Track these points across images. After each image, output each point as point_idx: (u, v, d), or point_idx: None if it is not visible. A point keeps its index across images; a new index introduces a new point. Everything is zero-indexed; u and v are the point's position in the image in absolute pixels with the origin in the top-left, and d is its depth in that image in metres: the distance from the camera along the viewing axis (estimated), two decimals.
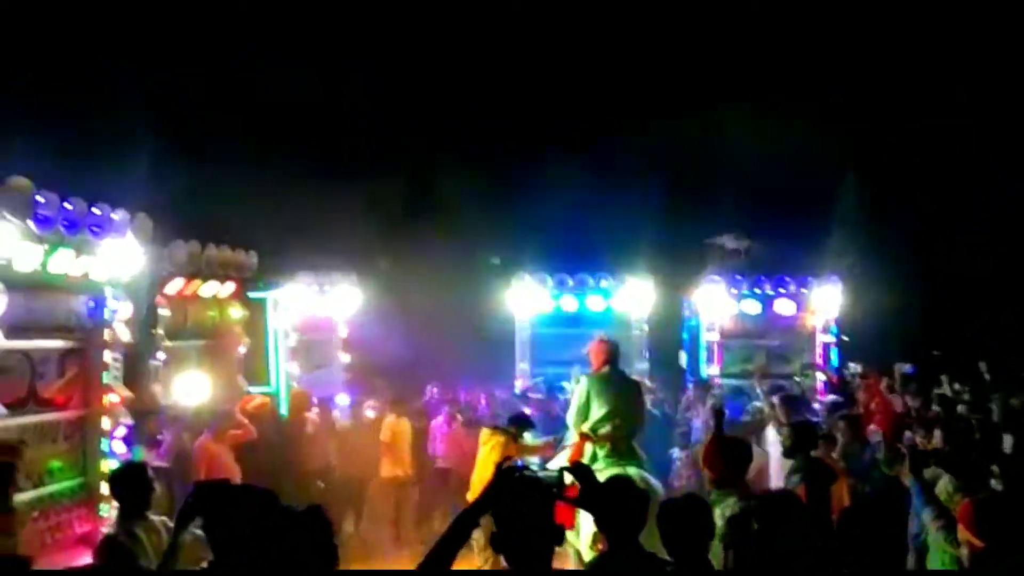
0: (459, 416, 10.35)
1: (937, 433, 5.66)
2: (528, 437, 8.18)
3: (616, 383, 7.31)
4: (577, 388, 7.44)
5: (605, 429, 7.06)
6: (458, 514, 2.98)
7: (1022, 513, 3.31)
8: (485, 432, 7.94)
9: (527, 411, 9.22)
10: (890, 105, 16.94)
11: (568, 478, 3.16)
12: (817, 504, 5.55)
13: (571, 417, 7.34)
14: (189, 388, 7.86)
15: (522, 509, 2.88)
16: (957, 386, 8.68)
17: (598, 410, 7.10)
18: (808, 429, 6.94)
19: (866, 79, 16.86)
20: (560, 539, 2.94)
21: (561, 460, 7.15)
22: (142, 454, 7.01)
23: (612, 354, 7.40)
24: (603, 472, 6.41)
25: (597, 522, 3.54)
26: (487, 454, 7.65)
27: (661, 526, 3.64)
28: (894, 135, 17.12)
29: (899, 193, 17.12)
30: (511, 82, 16.86)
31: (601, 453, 7.05)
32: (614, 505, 3.44)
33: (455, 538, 2.95)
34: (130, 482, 4.73)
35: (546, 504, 2.94)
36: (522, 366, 12.01)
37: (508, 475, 3.01)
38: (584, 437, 7.14)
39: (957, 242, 16.69)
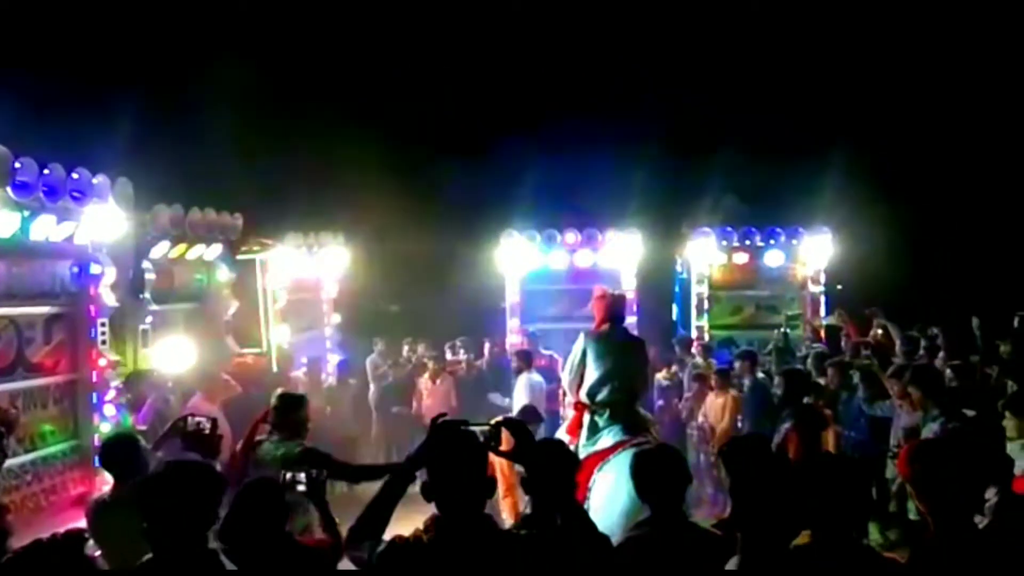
0: (445, 373, 10.46)
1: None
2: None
3: (616, 342, 6.54)
4: (574, 348, 6.68)
5: (602, 394, 6.34)
6: (394, 469, 3.02)
7: (951, 459, 3.09)
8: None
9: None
10: (883, 54, 16.79)
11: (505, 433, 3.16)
12: (808, 450, 5.47)
13: (565, 380, 6.72)
14: (174, 352, 7.89)
15: (454, 460, 2.90)
16: (933, 330, 8.75)
17: (594, 372, 6.39)
18: (799, 375, 6.98)
19: (860, 30, 16.68)
20: (491, 491, 2.96)
21: (560, 432, 6.64)
22: (130, 419, 7.08)
23: (613, 309, 6.67)
24: (617, 447, 5.99)
25: (525, 482, 3.44)
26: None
27: (636, 477, 3.65)
28: (888, 84, 17.00)
29: (893, 142, 17.06)
30: (496, 36, 16.64)
31: (601, 422, 6.31)
32: (548, 466, 3.33)
33: (391, 493, 2.98)
34: (121, 454, 4.68)
35: (478, 456, 2.95)
36: (512, 323, 12.07)
37: (444, 430, 3.02)
38: (580, 406, 6.47)
39: (953, 193, 16.70)
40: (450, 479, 2.88)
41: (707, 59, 16.75)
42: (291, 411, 5.34)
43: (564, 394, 7.38)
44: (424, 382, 10.51)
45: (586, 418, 6.37)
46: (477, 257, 12.91)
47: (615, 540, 3.40)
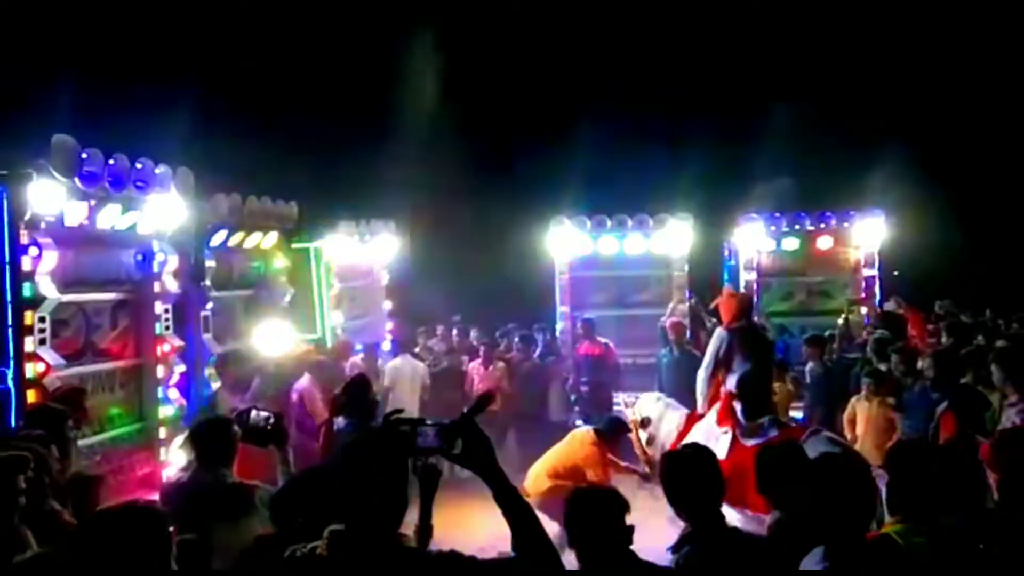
0: (497, 359, 10.51)
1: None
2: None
3: (758, 338, 6.91)
4: (713, 340, 6.85)
5: (753, 384, 6.53)
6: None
7: None
8: (582, 432, 7.23)
9: None
10: (935, 34, 16.32)
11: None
12: (964, 433, 5.17)
13: (705, 372, 6.82)
14: (274, 335, 8.11)
15: (363, 464, 2.37)
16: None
17: (743, 364, 6.57)
18: (950, 358, 6.59)
19: (907, 9, 16.24)
20: (404, 506, 2.38)
21: (706, 422, 6.68)
22: (225, 398, 7.14)
23: (746, 307, 7.01)
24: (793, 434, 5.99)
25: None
26: (577, 451, 6.91)
27: (666, 481, 3.35)
28: (941, 63, 16.53)
29: (946, 121, 16.60)
30: (545, 23, 16.57)
31: (757, 410, 6.44)
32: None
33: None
34: (212, 437, 4.26)
35: (398, 462, 2.38)
36: (562, 309, 12.06)
37: (395, 428, 2.49)
38: (729, 395, 6.56)
39: (1009, 173, 16.21)
40: (354, 486, 2.35)
41: (757, 41, 16.46)
42: (362, 394, 6.01)
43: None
44: (476, 367, 10.57)
45: (736, 407, 6.53)
46: (527, 243, 12.90)
47: None
